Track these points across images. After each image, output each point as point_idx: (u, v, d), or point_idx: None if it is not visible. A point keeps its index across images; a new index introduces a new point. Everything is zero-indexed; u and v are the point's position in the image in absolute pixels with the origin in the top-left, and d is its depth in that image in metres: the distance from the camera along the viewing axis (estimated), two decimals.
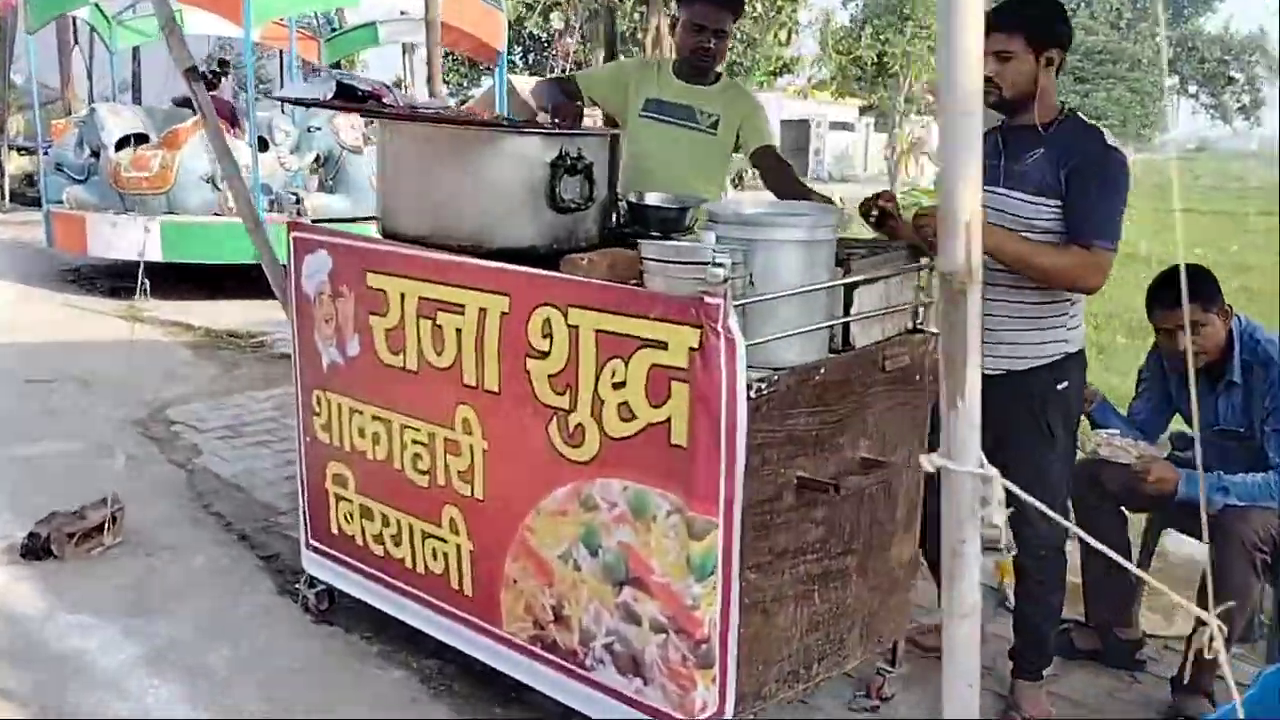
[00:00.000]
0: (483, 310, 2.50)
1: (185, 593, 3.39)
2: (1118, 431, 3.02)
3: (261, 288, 8.46)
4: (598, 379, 2.27)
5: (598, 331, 2.26)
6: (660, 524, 2.21)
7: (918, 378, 2.72)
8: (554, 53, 19.25)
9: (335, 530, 3.09)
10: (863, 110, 31.45)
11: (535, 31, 24.27)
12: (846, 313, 2.50)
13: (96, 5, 11.63)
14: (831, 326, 2.45)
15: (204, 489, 4.31)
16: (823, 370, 2.39)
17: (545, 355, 2.37)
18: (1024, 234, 2.64)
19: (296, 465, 3.19)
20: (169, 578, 3.50)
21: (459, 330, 2.56)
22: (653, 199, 3.04)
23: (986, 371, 2.80)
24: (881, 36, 23.11)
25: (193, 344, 7.09)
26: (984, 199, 2.74)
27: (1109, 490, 3.07)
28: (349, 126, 8.79)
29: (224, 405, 5.53)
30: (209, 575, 3.53)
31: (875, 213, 2.85)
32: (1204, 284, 2.96)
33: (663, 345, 2.14)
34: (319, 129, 8.72)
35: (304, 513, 3.20)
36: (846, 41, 25.06)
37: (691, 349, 2.09)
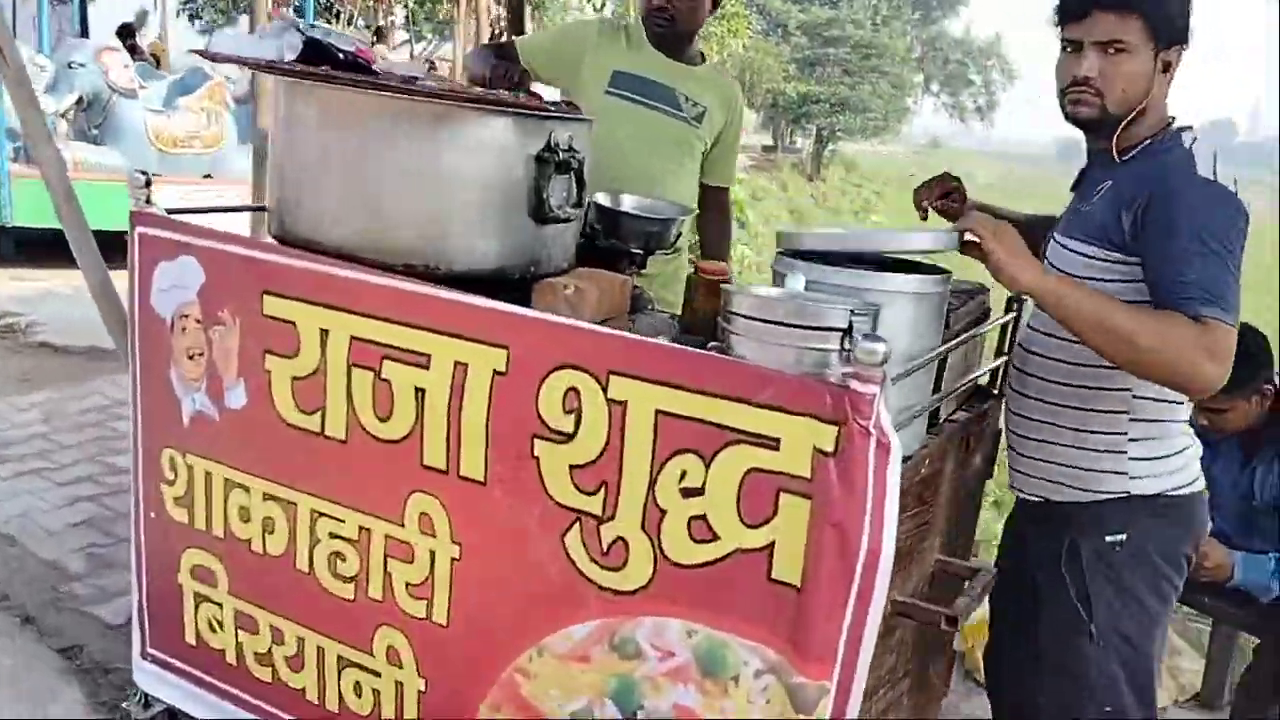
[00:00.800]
0: (461, 365, 1.76)
1: None
2: None
3: (5, 256, 7.12)
4: (654, 479, 1.60)
5: (660, 414, 1.59)
6: (744, 687, 1.58)
7: (979, 456, 2.22)
8: (342, 5, 17.13)
9: (191, 639, 2.24)
10: None
11: None
12: (939, 380, 1.95)
13: None
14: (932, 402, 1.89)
15: None
16: (927, 461, 1.83)
17: (568, 438, 1.67)
18: None
19: (131, 546, 2.30)
20: None
21: (420, 390, 1.80)
22: (628, 204, 2.41)
23: (1023, 494, 2.07)
24: None
25: None
26: (1049, 252, 1.98)
27: None
28: (121, 65, 7.40)
29: None
30: None
31: (926, 206, 2.12)
32: (1241, 363, 2.59)
33: (770, 443, 1.50)
34: (82, 65, 7.26)
35: (140, 610, 2.33)
36: None
37: (821, 453, 1.47)
